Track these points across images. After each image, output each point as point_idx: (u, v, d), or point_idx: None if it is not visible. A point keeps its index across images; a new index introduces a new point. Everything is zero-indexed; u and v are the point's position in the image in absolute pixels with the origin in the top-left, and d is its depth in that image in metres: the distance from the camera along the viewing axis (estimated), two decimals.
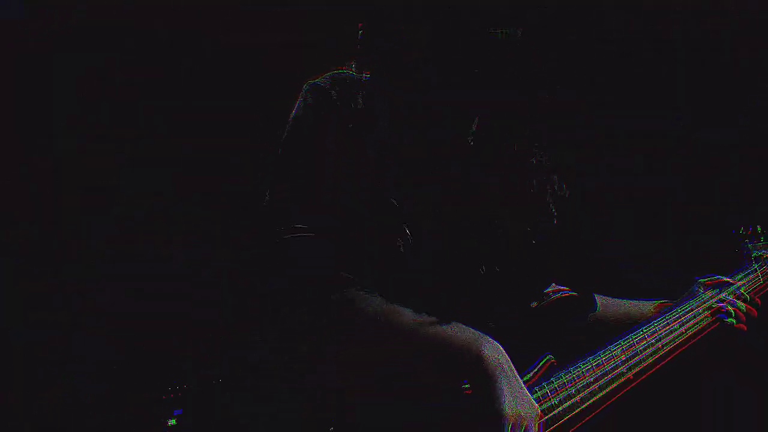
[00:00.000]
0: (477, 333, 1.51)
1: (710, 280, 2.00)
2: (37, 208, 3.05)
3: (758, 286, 2.13)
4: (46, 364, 3.00)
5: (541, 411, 1.55)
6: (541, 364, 1.63)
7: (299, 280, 1.50)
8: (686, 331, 1.86)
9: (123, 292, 3.16)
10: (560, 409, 1.64)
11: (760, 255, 2.23)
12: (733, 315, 1.92)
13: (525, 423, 1.48)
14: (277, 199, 1.58)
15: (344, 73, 1.68)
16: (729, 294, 1.98)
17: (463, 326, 1.52)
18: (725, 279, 1.99)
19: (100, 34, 3.10)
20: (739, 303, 1.94)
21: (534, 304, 1.80)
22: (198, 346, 3.21)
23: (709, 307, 1.92)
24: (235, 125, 3.19)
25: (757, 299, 1.99)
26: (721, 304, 1.93)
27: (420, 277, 1.58)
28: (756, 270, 2.16)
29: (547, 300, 1.86)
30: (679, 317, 1.88)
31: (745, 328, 1.93)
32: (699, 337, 1.88)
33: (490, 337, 1.51)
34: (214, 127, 3.23)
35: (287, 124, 1.65)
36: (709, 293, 1.95)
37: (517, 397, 1.48)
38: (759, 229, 2.29)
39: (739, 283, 2.00)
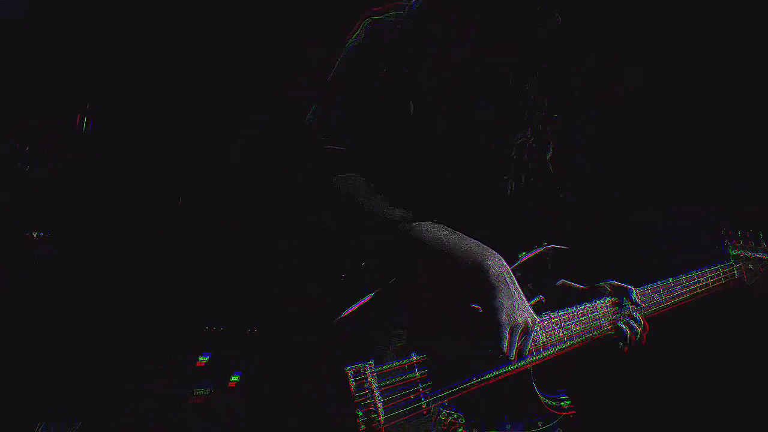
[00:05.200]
0: (481, 245, 1.62)
1: (619, 285, 2.04)
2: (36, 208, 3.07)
3: (728, 280, 2.30)
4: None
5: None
6: (531, 303, 1.71)
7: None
8: (584, 334, 1.90)
9: None
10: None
11: (738, 254, 2.40)
12: (627, 337, 1.96)
13: (520, 331, 1.59)
14: (317, 115, 1.72)
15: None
16: (628, 313, 2.02)
17: (468, 238, 1.62)
18: (631, 291, 2.03)
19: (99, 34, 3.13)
20: (635, 328, 1.99)
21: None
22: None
23: (612, 322, 1.97)
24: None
25: (647, 326, 2.03)
26: (621, 325, 1.97)
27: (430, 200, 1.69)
28: (731, 266, 2.34)
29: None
30: (582, 317, 1.92)
31: (627, 352, 1.99)
32: (591, 341, 1.93)
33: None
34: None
35: (342, 53, 1.77)
36: (610, 300, 1.99)
37: (517, 308, 1.59)
38: (739, 232, 2.45)
39: (636, 301, 2.03)
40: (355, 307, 1.60)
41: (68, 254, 3.13)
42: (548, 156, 1.85)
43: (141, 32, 3.22)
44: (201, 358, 3.24)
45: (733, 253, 2.42)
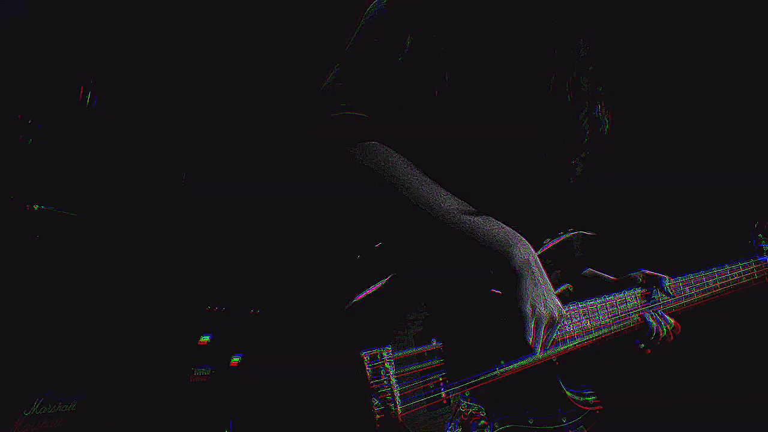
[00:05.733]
0: (509, 230, 1.54)
1: (651, 273, 1.93)
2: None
3: (760, 278, 2.15)
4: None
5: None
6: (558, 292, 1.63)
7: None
8: (612, 326, 1.80)
9: None
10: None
11: None
12: (653, 336, 1.85)
13: (546, 323, 1.52)
14: (336, 82, 1.62)
15: None
16: (659, 304, 1.90)
17: (497, 222, 1.54)
18: (663, 280, 1.92)
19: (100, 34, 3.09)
20: (664, 325, 1.88)
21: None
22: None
23: (640, 314, 1.86)
24: None
25: (678, 325, 1.91)
26: (651, 320, 1.86)
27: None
28: (764, 263, 2.19)
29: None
30: (611, 308, 1.82)
31: (649, 352, 1.88)
32: (618, 334, 1.82)
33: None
34: None
35: (362, 21, 1.68)
36: (639, 292, 1.88)
37: (542, 298, 1.52)
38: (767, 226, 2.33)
39: (667, 291, 1.92)
40: (370, 289, 1.50)
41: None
42: (604, 130, 1.75)
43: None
44: (203, 338, 3.20)
45: (766, 248, 2.26)
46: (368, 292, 1.50)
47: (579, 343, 1.70)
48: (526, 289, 1.50)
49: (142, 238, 3.06)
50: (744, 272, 2.15)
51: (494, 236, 1.52)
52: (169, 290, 3.06)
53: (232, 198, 3.24)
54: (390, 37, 1.62)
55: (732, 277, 2.11)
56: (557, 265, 1.73)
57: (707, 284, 2.04)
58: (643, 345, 1.85)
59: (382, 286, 1.51)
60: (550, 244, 1.74)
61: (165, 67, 3.25)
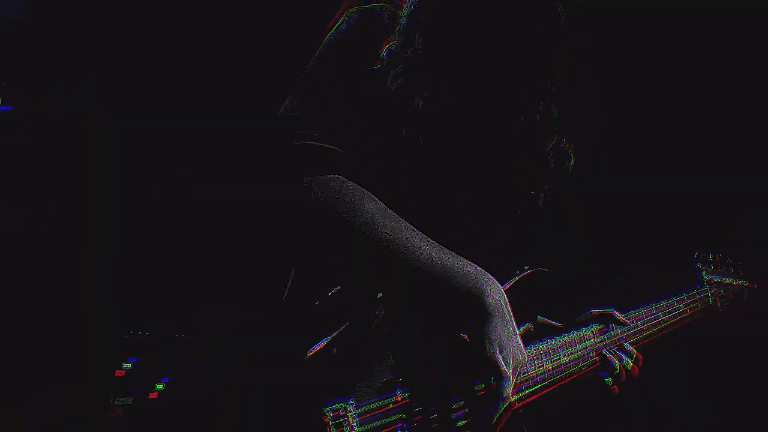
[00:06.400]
0: (480, 269, 1.48)
1: (600, 311, 1.94)
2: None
3: (703, 307, 2.24)
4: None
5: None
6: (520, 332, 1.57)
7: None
8: (573, 364, 1.78)
9: None
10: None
11: (710, 279, 2.35)
12: (616, 372, 1.84)
13: (510, 369, 1.45)
14: (295, 107, 1.52)
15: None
16: (615, 340, 1.90)
17: (466, 260, 1.47)
18: (615, 314, 1.93)
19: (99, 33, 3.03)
20: (626, 359, 1.88)
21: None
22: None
23: (598, 351, 1.84)
24: None
25: (639, 355, 1.92)
26: (610, 355, 1.85)
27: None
28: (705, 292, 2.28)
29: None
30: (570, 347, 1.79)
31: (617, 391, 1.86)
32: (580, 375, 1.80)
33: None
34: None
35: (325, 42, 1.60)
36: (596, 328, 1.87)
37: (508, 342, 1.45)
38: (711, 256, 2.42)
39: (627, 326, 1.92)
40: (331, 336, 1.39)
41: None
42: (569, 165, 1.70)
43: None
44: (125, 365, 3.05)
45: (706, 278, 2.36)
46: (328, 339, 1.39)
47: (541, 387, 1.65)
48: (495, 329, 1.44)
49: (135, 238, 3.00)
50: (689, 303, 2.20)
51: (465, 276, 1.45)
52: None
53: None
54: (352, 60, 1.54)
55: (679, 308, 2.15)
56: (517, 305, 1.67)
57: (658, 317, 2.06)
58: (609, 381, 1.82)
59: (343, 332, 1.40)
60: (509, 284, 1.68)
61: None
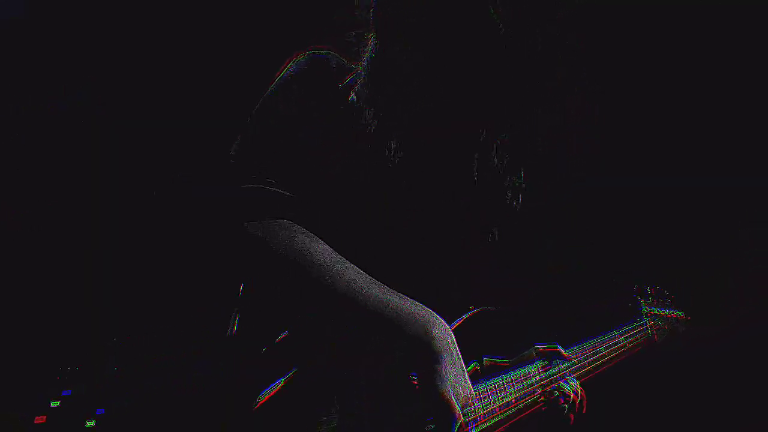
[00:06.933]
0: (429, 310, 1.48)
1: (546, 348, 1.94)
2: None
3: (643, 339, 2.28)
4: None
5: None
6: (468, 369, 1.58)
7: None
8: (520, 401, 1.78)
9: None
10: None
11: (650, 311, 2.42)
12: (568, 402, 1.87)
13: (459, 407, 1.44)
14: (243, 150, 1.52)
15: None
16: (560, 376, 1.91)
17: (414, 301, 1.48)
18: (560, 350, 1.94)
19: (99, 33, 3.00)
20: (571, 394, 1.88)
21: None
22: None
23: (543, 387, 1.85)
24: None
25: (582, 390, 1.93)
26: (554, 393, 1.86)
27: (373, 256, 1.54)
28: (644, 324, 2.33)
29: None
30: (516, 384, 1.80)
31: (572, 421, 1.88)
32: (528, 411, 1.81)
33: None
34: None
35: (273, 84, 1.60)
36: (541, 364, 1.89)
37: (457, 380, 1.46)
38: (648, 288, 2.50)
39: (571, 361, 1.94)
40: (278, 386, 1.39)
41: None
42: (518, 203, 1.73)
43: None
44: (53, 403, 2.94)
45: (645, 310, 2.41)
46: (273, 388, 1.39)
47: (492, 426, 1.65)
48: (445, 369, 1.44)
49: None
50: (630, 336, 2.24)
51: (415, 318, 1.45)
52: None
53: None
54: (301, 100, 1.56)
55: (620, 341, 2.18)
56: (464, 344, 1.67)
57: (599, 351, 2.08)
58: (565, 410, 1.84)
59: (289, 380, 1.40)
60: (455, 324, 1.68)
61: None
